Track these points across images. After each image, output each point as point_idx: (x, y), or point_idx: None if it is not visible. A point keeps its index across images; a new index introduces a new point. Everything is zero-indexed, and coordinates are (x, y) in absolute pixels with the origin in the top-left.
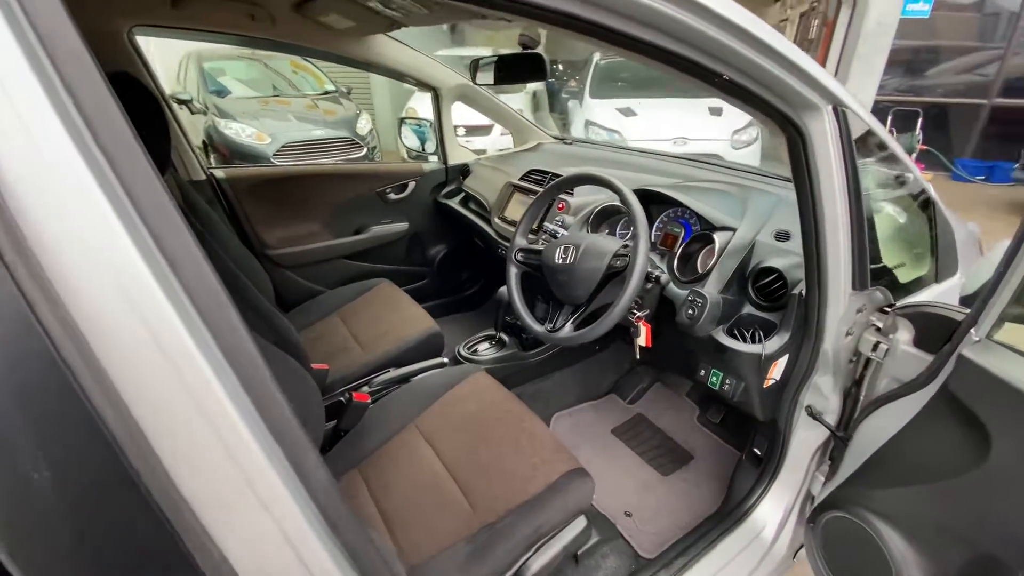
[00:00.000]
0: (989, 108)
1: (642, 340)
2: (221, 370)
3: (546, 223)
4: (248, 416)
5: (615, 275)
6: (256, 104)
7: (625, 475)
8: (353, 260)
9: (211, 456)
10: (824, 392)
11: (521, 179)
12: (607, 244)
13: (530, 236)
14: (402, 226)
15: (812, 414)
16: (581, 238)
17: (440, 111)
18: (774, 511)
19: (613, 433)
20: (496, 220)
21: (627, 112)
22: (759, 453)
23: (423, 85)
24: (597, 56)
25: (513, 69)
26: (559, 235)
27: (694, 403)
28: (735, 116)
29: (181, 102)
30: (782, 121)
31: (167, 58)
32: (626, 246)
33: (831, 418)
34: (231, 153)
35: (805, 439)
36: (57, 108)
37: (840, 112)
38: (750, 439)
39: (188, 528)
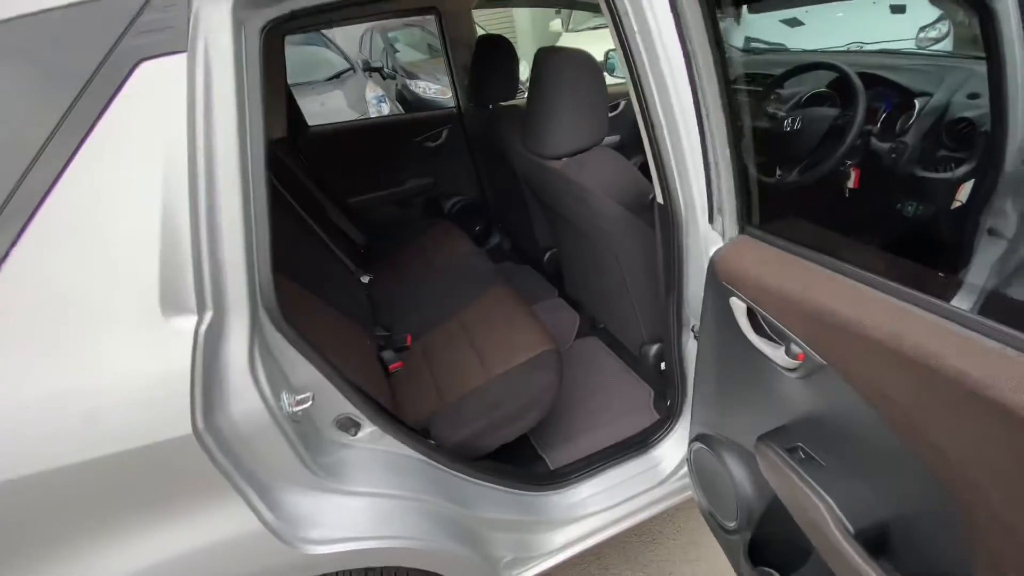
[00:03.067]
0: None
1: (851, 182)
2: None
3: None
4: None
5: (834, 133)
6: (430, 63)
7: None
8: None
9: None
10: (1007, 211)
11: None
12: (826, 111)
13: None
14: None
15: None
16: (797, 112)
17: None
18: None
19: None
20: None
21: (793, 23)
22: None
23: None
24: None
25: None
26: None
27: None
28: (921, 10)
29: (374, 69)
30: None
31: (347, 35)
32: (843, 113)
33: None
34: (422, 108)
35: None
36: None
37: None
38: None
39: None
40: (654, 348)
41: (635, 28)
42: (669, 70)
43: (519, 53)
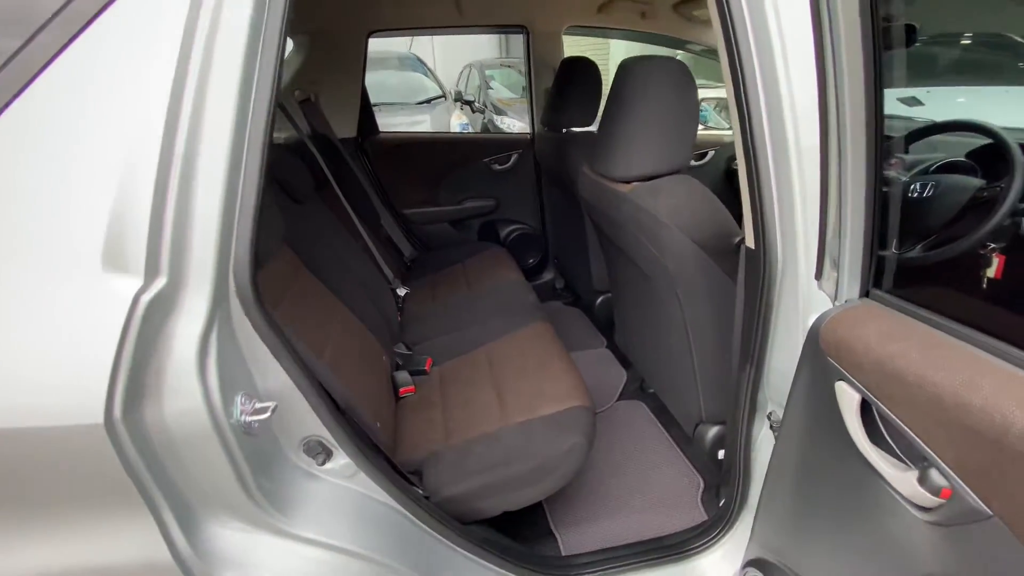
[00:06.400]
0: None
1: (992, 272)
2: None
3: None
4: None
5: (978, 206)
6: (519, 103)
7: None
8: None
9: None
10: None
11: None
12: (968, 181)
13: None
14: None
15: None
16: (929, 179)
17: None
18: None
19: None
20: None
21: (911, 102)
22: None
23: None
24: None
25: None
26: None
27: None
28: None
29: (466, 101)
30: None
31: (448, 67)
32: (990, 185)
33: None
34: None
35: None
36: None
37: None
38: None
39: None
40: (712, 431)
41: (756, 66)
42: (791, 113)
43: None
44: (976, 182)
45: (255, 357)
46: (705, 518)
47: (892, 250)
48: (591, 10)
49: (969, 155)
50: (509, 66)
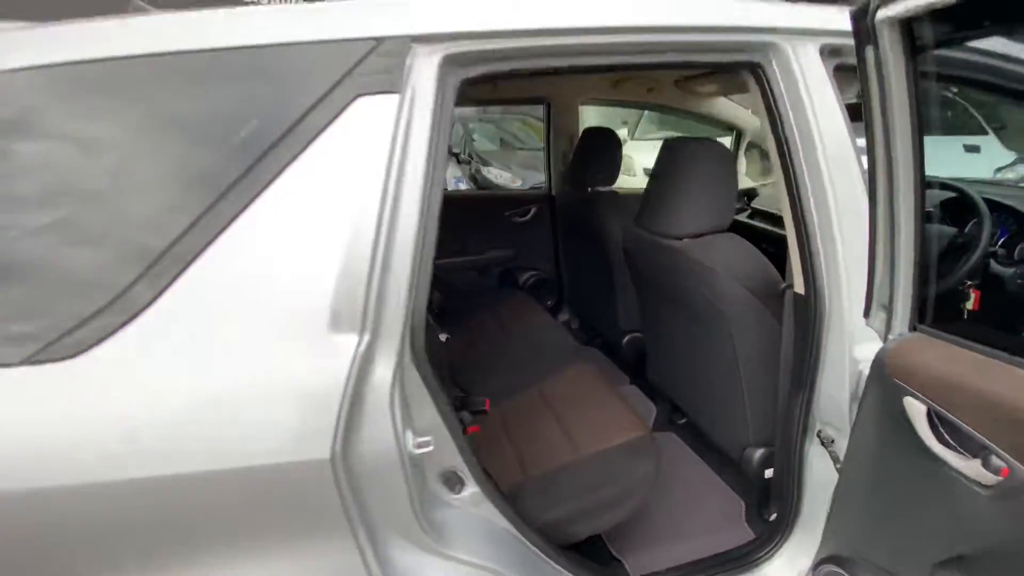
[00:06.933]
0: None
1: (971, 304)
2: None
3: None
4: None
5: (952, 251)
6: (503, 153)
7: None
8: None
9: None
10: None
11: None
12: (945, 229)
13: None
14: None
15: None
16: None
17: (737, 147)
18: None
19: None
20: None
21: None
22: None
23: (730, 128)
24: None
25: None
26: None
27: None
28: (995, 151)
29: (452, 153)
30: None
31: None
32: (961, 232)
33: None
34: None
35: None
36: None
37: None
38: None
39: None
40: (759, 452)
41: (794, 126)
42: (825, 167)
43: None
44: (950, 230)
45: (414, 398)
46: (753, 536)
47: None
48: (606, 86)
49: (941, 204)
50: (485, 120)
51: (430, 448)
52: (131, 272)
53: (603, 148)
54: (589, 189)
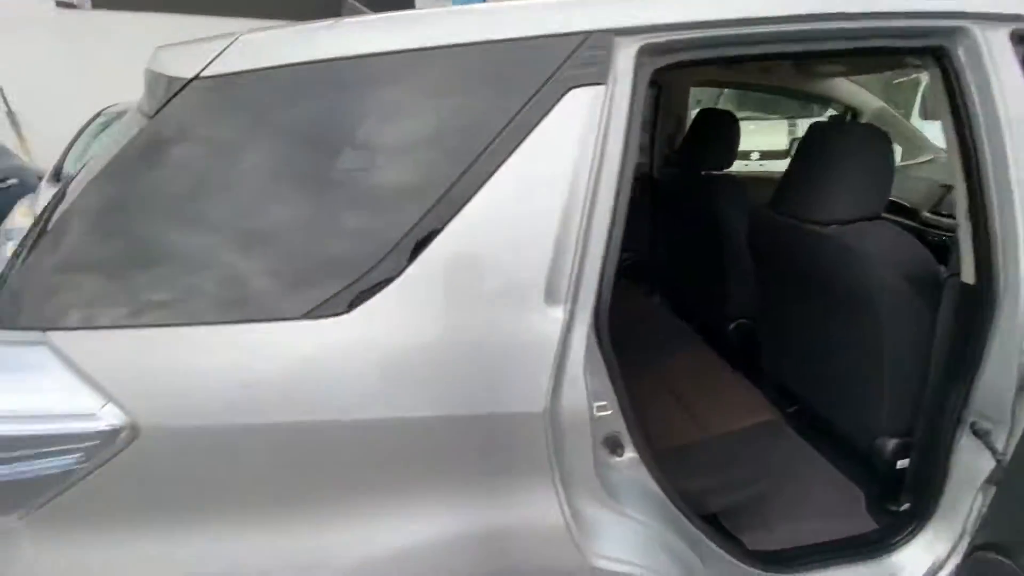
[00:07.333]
0: None
1: None
2: None
3: None
4: None
5: None
6: None
7: None
8: None
9: None
10: None
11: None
12: None
13: None
14: None
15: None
16: None
17: None
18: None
19: None
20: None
21: None
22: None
23: (849, 108)
24: None
25: None
26: None
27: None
28: None
29: None
30: None
31: None
32: None
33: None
34: None
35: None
36: None
37: None
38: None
39: None
40: (893, 443)
41: (979, 112)
42: (1012, 155)
43: None
44: None
45: (593, 365)
46: (874, 526)
47: None
48: (719, 68)
49: None
50: None
51: (608, 412)
52: (386, 245)
53: (719, 130)
54: (702, 172)
